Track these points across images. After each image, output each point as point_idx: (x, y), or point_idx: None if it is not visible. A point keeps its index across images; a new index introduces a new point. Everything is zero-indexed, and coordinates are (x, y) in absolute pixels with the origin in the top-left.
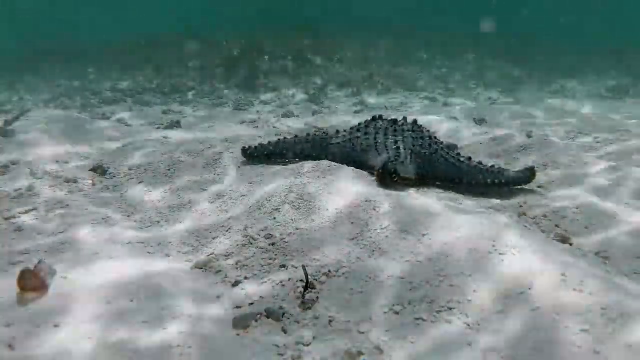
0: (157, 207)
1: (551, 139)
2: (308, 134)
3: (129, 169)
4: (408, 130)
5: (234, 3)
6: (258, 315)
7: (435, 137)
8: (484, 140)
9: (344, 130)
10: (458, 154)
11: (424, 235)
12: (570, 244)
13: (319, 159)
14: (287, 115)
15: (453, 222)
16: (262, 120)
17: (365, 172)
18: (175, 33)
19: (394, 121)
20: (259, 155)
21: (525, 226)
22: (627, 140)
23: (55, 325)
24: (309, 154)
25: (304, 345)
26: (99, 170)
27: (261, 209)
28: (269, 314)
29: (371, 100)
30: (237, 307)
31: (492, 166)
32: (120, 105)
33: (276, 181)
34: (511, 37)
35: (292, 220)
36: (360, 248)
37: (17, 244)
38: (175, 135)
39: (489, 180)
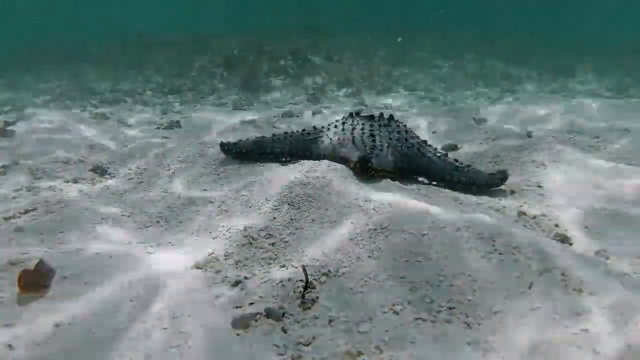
0: (157, 207)
1: (551, 139)
2: (286, 132)
3: (129, 169)
4: (385, 126)
5: (235, 3)
6: (258, 315)
7: (412, 132)
8: (483, 139)
9: (322, 127)
10: (435, 149)
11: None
12: (571, 244)
13: (298, 155)
14: (287, 115)
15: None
16: (262, 120)
17: None
18: (176, 33)
19: (371, 117)
20: (238, 152)
21: (525, 226)
22: (626, 141)
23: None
24: (288, 151)
25: (304, 345)
26: (98, 170)
27: (261, 208)
28: (269, 314)
29: (371, 100)
30: (237, 307)
31: (468, 166)
32: (120, 105)
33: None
34: (511, 37)
35: (291, 220)
36: (360, 248)
37: (17, 244)
38: (175, 135)
39: (463, 179)
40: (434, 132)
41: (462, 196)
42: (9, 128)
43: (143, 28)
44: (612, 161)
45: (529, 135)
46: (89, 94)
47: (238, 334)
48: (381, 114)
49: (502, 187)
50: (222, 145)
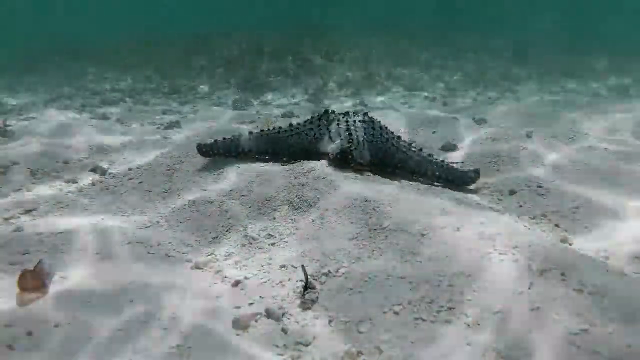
0: (157, 207)
1: (551, 139)
2: (262, 130)
3: (129, 169)
4: (360, 121)
5: (236, 3)
6: (258, 315)
7: (386, 128)
8: (483, 140)
9: (298, 123)
10: (410, 144)
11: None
12: (570, 244)
13: (275, 153)
14: (287, 115)
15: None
16: (261, 120)
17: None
18: (176, 33)
19: (346, 113)
20: (216, 153)
21: (525, 226)
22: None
23: None
24: (265, 150)
25: (304, 345)
26: (99, 170)
27: (261, 208)
28: (269, 314)
29: (371, 100)
30: (237, 307)
31: (442, 161)
32: (120, 105)
33: (278, 179)
34: (511, 38)
35: (292, 220)
36: (360, 248)
37: (17, 244)
38: (175, 135)
39: (437, 173)
40: (434, 132)
41: (462, 196)
42: (9, 128)
43: (143, 28)
44: (613, 160)
45: (529, 135)
46: (89, 94)
47: (238, 334)
48: (355, 111)
49: (506, 189)
50: (199, 147)
